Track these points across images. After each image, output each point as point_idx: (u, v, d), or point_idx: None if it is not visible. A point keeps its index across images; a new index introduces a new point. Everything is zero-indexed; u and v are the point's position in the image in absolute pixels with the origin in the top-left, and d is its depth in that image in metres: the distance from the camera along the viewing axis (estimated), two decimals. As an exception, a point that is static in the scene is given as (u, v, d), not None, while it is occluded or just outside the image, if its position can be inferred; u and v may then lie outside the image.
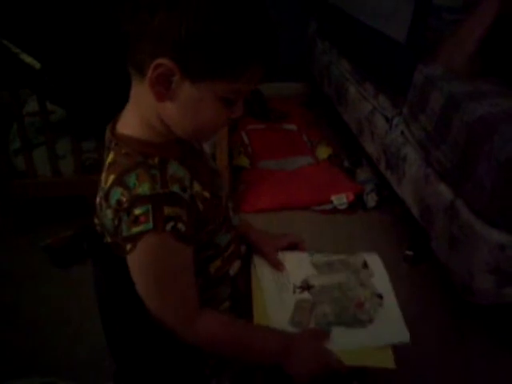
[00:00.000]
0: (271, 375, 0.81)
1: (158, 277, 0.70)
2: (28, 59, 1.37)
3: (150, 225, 0.64)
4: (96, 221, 0.77)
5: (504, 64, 1.44)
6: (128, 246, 0.66)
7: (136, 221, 0.64)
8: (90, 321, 1.19)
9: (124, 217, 0.65)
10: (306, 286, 0.90)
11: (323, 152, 2.24)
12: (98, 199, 0.74)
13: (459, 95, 1.29)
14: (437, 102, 1.35)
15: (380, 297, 0.88)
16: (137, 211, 0.64)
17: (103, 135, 0.74)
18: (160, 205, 0.65)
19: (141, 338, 0.77)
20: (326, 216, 1.90)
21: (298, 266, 0.94)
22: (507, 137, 1.10)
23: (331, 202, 1.91)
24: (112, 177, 0.68)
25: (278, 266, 0.94)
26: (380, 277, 0.94)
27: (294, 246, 0.98)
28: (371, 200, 1.93)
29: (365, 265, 0.95)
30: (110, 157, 0.71)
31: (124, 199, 0.65)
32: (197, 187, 0.71)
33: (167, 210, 0.65)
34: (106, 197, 0.68)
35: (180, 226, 0.66)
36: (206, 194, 0.73)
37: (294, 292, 0.89)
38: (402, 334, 0.83)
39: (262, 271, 0.93)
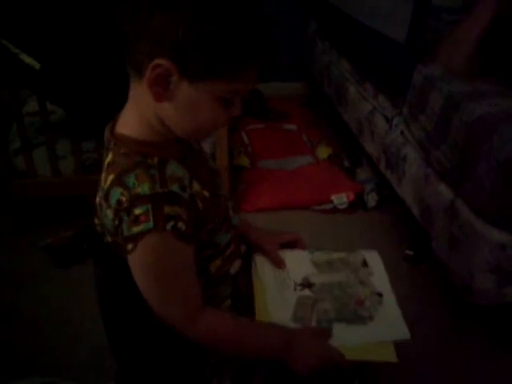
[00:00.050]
0: (272, 374, 0.81)
1: (160, 276, 0.70)
2: (28, 59, 1.37)
3: (151, 224, 0.64)
4: (96, 221, 0.77)
5: (503, 64, 1.44)
6: (129, 246, 0.67)
7: (136, 220, 0.65)
8: (91, 321, 1.19)
9: (124, 217, 0.65)
10: (306, 284, 0.90)
11: (323, 152, 2.24)
12: (97, 199, 0.74)
13: (458, 95, 1.29)
14: (436, 102, 1.36)
15: (379, 295, 0.89)
16: (137, 211, 0.64)
17: (103, 135, 0.74)
18: (160, 204, 0.65)
19: (142, 337, 0.78)
20: (326, 216, 1.90)
21: (298, 264, 0.95)
22: (506, 137, 1.10)
23: (331, 201, 1.90)
24: (111, 177, 0.68)
25: (279, 263, 0.94)
26: (379, 275, 0.94)
27: (293, 244, 0.99)
28: (371, 200, 1.93)
29: (364, 263, 0.95)
30: (109, 157, 0.71)
31: (124, 199, 0.65)
32: (196, 186, 0.72)
33: (167, 209, 0.65)
34: (106, 197, 0.68)
35: (180, 224, 0.66)
36: (206, 194, 0.73)
37: (295, 289, 0.89)
38: (402, 332, 0.83)
39: (262, 269, 0.93)
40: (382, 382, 1.10)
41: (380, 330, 0.83)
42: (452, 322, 1.43)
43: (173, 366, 0.80)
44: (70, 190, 1.68)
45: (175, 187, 0.67)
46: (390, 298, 0.89)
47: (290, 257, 0.96)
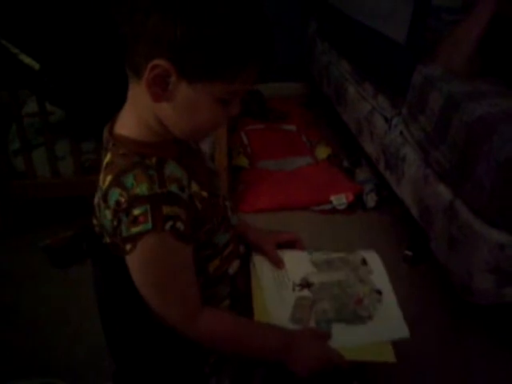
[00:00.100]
0: (271, 373, 0.81)
1: (158, 276, 0.70)
2: (27, 60, 1.37)
3: (149, 225, 0.64)
4: (94, 221, 0.77)
5: (503, 64, 1.44)
6: (128, 247, 0.67)
7: (135, 221, 0.65)
8: (90, 321, 1.19)
9: (123, 217, 0.65)
10: (305, 284, 0.90)
11: (322, 152, 2.24)
12: (96, 200, 0.74)
13: (458, 95, 1.29)
14: (436, 103, 1.36)
15: (379, 293, 0.89)
16: (136, 211, 0.64)
17: (102, 136, 0.75)
18: (158, 204, 0.65)
19: (140, 337, 0.78)
20: (325, 216, 1.90)
21: (297, 264, 0.95)
22: (506, 137, 1.10)
23: (330, 202, 1.90)
24: (109, 177, 0.68)
25: (278, 263, 0.94)
26: (379, 274, 0.94)
27: (292, 245, 0.99)
28: (370, 200, 1.93)
29: (364, 262, 0.95)
30: (108, 157, 0.71)
31: (123, 200, 0.65)
32: (194, 187, 0.72)
33: (166, 210, 0.65)
34: (105, 197, 0.68)
35: (179, 225, 0.66)
36: (204, 194, 0.73)
37: (294, 290, 0.89)
38: (401, 330, 0.83)
39: (261, 269, 0.93)
40: (381, 382, 1.10)
41: (379, 330, 0.83)
42: (451, 322, 1.43)
43: (171, 365, 0.80)
44: (69, 190, 1.68)
45: (174, 187, 0.67)
46: (389, 296, 0.90)
47: (289, 257, 0.96)
